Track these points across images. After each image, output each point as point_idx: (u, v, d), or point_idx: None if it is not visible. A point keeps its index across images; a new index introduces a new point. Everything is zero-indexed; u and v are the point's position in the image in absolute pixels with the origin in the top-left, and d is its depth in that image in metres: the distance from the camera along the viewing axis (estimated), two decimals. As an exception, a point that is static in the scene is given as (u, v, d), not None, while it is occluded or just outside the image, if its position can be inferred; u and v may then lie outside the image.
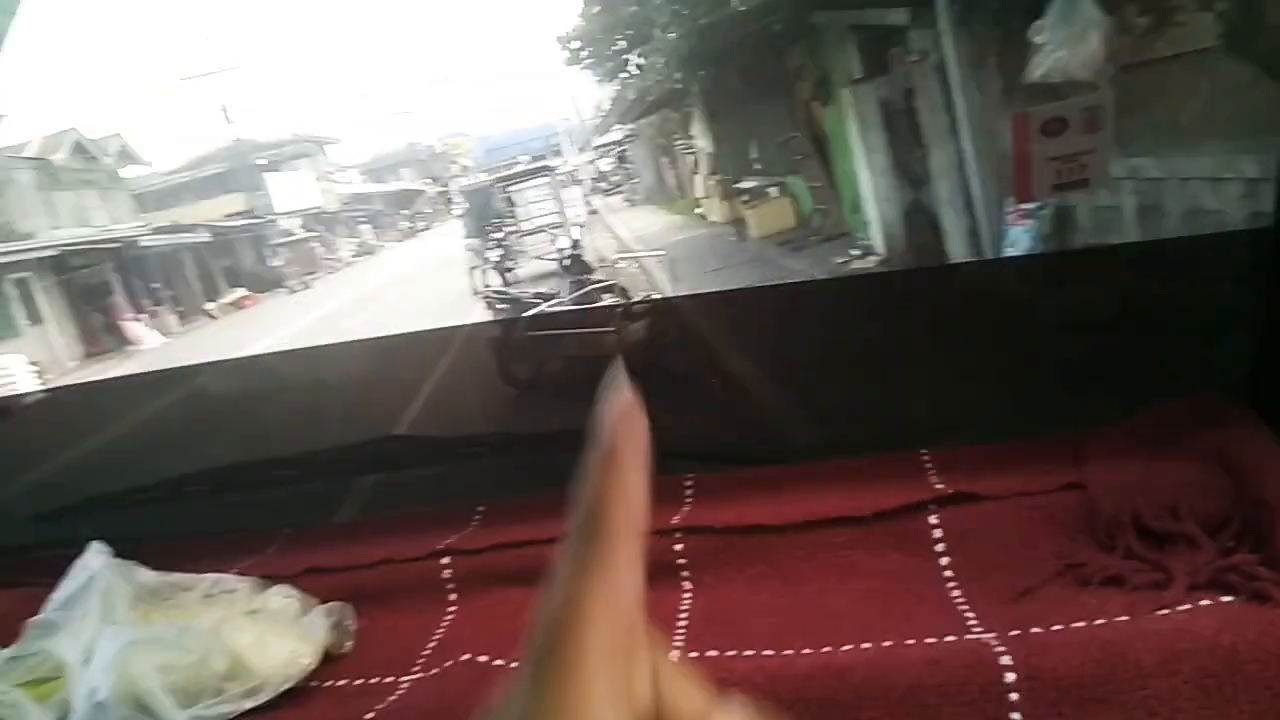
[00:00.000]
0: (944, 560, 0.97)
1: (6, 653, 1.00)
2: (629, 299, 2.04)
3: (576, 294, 2.24)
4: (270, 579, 1.13)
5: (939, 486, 1.01)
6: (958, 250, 2.18)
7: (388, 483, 1.39)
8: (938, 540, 0.98)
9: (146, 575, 1.08)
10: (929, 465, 1.08)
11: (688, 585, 1.04)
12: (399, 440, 1.29)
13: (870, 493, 1.03)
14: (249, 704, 0.94)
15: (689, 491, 1.15)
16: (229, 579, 1.11)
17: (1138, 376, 1.06)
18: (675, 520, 1.07)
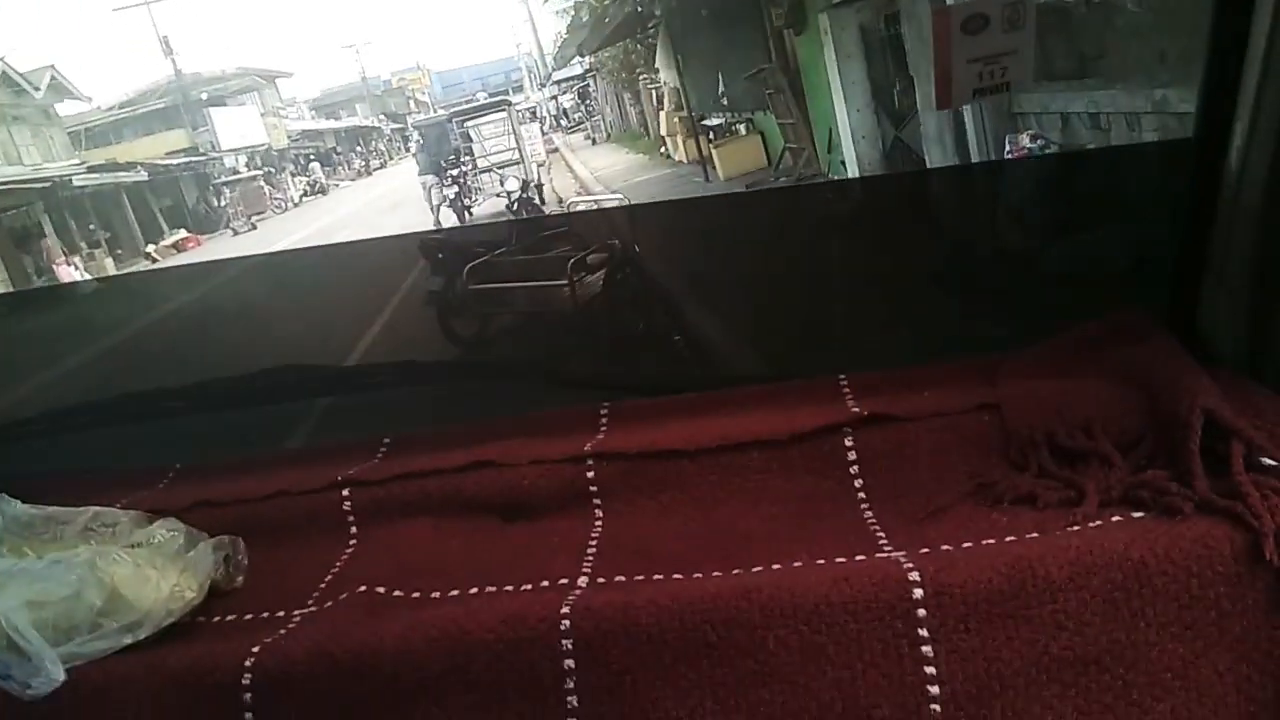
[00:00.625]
0: (858, 482, 0.95)
1: None
2: (584, 246, 1.84)
3: (525, 242, 1.96)
4: (158, 513, 1.06)
5: (855, 409, 0.99)
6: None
7: (328, 411, 1.32)
8: (852, 462, 0.96)
9: (18, 508, 1.01)
10: (846, 389, 1.05)
11: (599, 512, 1.01)
12: (294, 370, 1.22)
13: (786, 416, 1.01)
14: (128, 639, 0.88)
15: (604, 419, 1.11)
16: (111, 512, 1.04)
17: (1056, 296, 1.05)
18: (588, 447, 1.03)
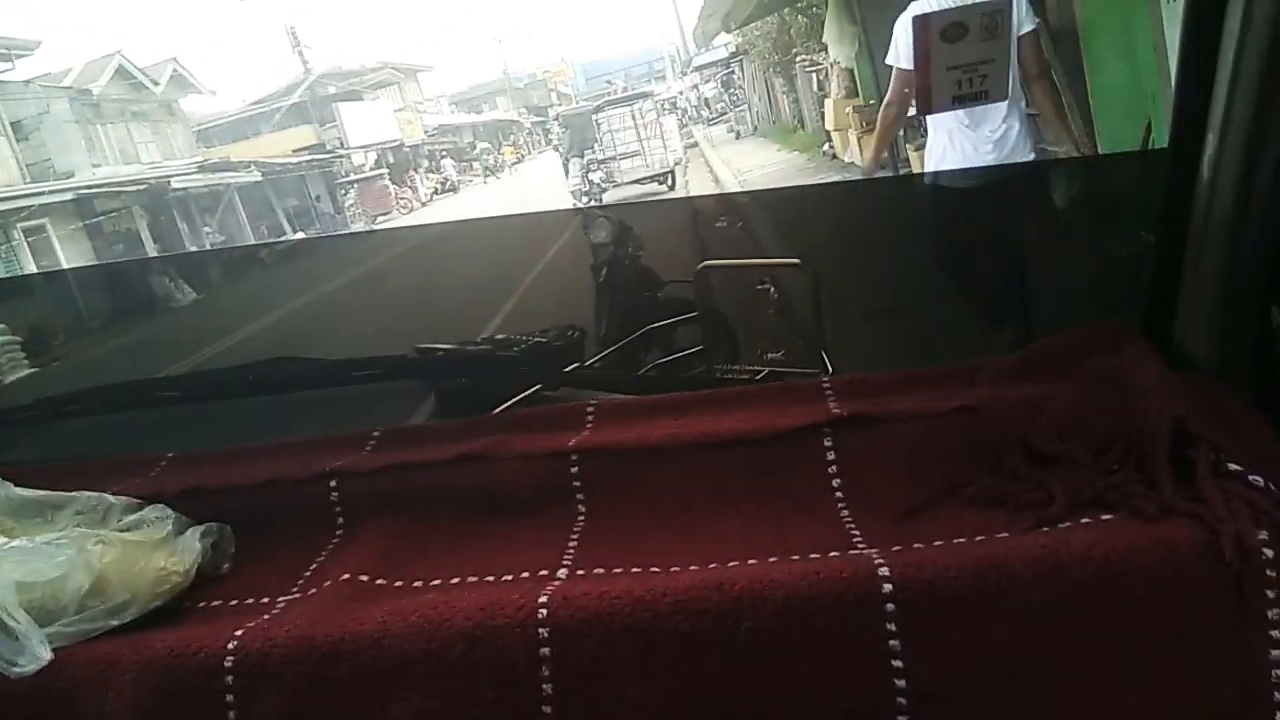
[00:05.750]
0: (836, 482, 0.96)
1: None
2: (730, 354, 1.23)
3: (618, 342, 1.29)
4: (149, 500, 1.08)
5: (835, 410, 1.00)
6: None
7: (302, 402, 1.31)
8: (831, 462, 0.97)
9: (12, 490, 1.02)
10: (828, 390, 1.07)
11: (581, 508, 1.02)
12: (291, 362, 1.24)
13: (768, 416, 1.02)
14: (114, 621, 0.90)
15: (590, 417, 1.13)
16: (101, 497, 1.06)
17: (1035, 304, 1.06)
18: (572, 444, 1.05)
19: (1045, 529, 0.81)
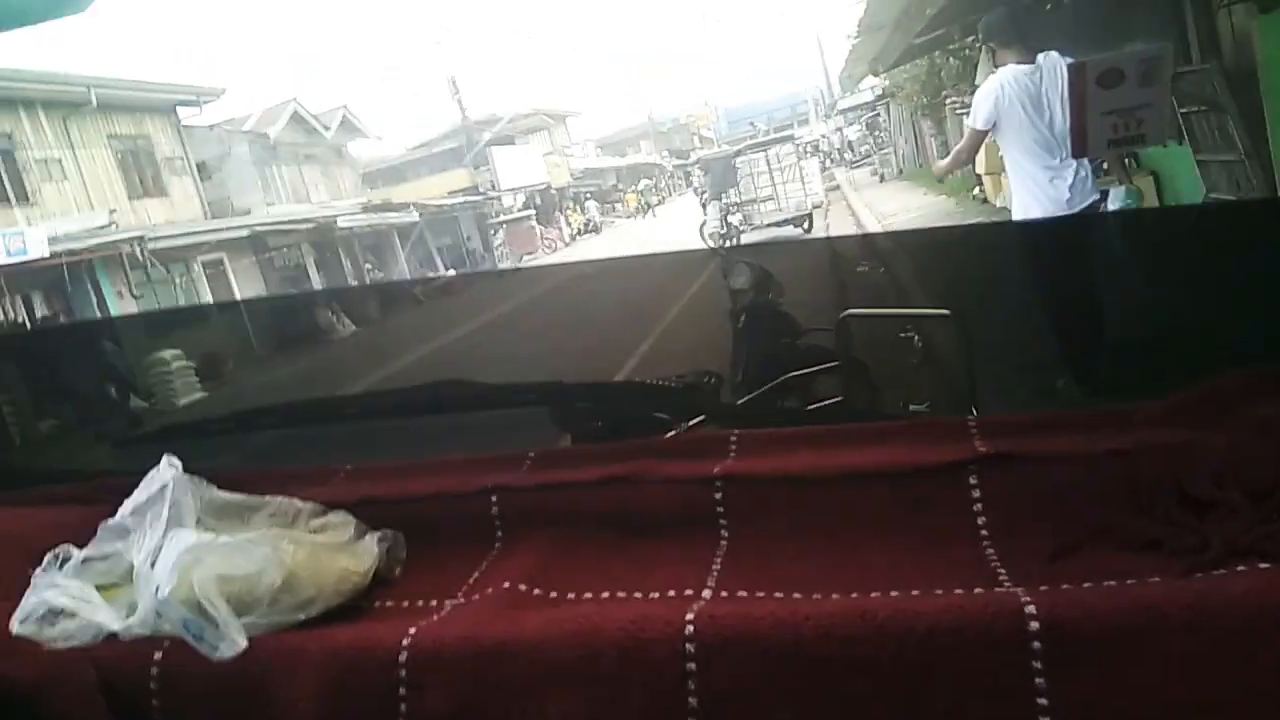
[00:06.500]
0: (981, 519, 0.97)
1: (82, 553, 1.08)
2: (871, 405, 1.18)
3: (755, 389, 1.22)
4: (331, 506, 1.18)
5: (981, 448, 1.01)
6: None
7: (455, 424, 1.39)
8: (976, 500, 0.98)
9: (215, 493, 1.14)
10: (974, 430, 1.07)
11: (724, 533, 1.06)
12: (455, 385, 1.34)
13: (912, 451, 1.04)
14: (301, 615, 1.00)
15: (733, 446, 1.17)
16: (293, 502, 1.17)
17: (1194, 348, 1.04)
18: (717, 470, 1.09)
19: (1199, 575, 0.80)
